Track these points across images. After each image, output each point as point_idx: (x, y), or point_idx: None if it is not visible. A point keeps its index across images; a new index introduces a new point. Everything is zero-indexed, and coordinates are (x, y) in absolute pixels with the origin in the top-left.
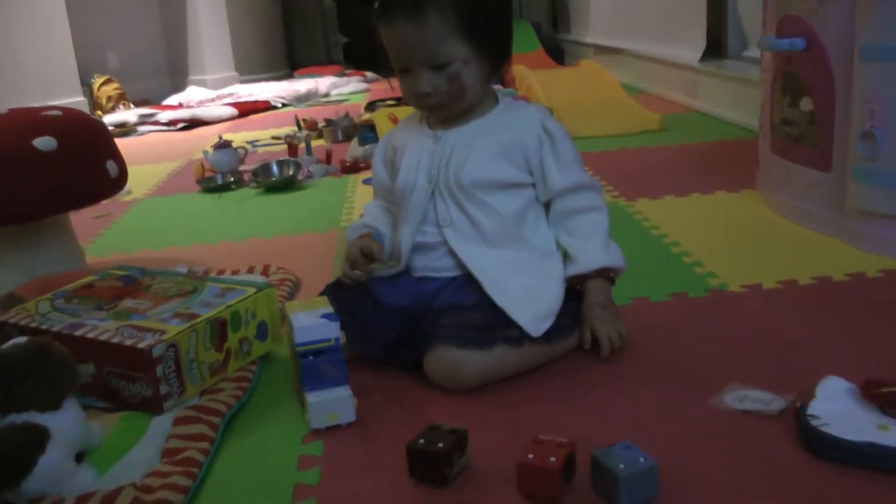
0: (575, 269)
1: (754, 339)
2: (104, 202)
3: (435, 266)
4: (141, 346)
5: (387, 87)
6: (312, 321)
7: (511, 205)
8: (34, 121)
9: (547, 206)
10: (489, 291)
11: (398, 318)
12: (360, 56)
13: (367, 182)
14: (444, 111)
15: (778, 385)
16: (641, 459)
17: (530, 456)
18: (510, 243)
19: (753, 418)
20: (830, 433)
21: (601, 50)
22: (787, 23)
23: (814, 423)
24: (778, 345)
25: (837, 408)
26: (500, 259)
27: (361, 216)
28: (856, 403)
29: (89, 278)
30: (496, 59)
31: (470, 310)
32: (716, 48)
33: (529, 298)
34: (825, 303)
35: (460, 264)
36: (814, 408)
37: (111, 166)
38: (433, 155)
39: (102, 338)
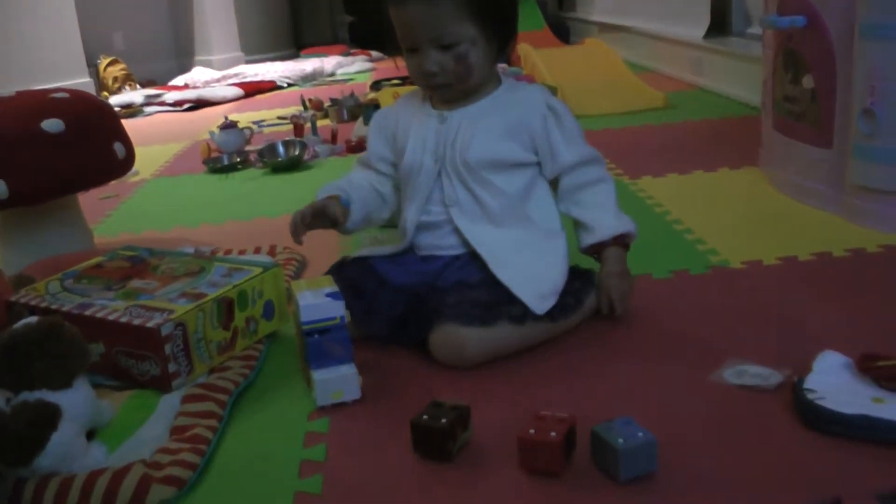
0: (592, 239)
1: (754, 315)
2: (111, 183)
3: (440, 244)
4: (149, 325)
5: (392, 67)
6: (318, 300)
7: (516, 184)
8: (42, 103)
9: (554, 184)
10: (493, 269)
11: (403, 296)
12: (365, 35)
13: None
14: (450, 91)
15: (776, 360)
16: (640, 434)
17: (531, 431)
18: (515, 222)
19: (752, 393)
20: (826, 406)
21: (606, 28)
22: (789, 0)
23: (810, 396)
24: (777, 320)
25: (833, 381)
26: (505, 237)
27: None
28: (852, 377)
29: (98, 259)
30: (503, 40)
31: (474, 287)
32: (720, 25)
33: (533, 276)
34: (824, 278)
35: (465, 242)
36: (810, 382)
37: (118, 147)
38: (439, 135)
39: (111, 317)
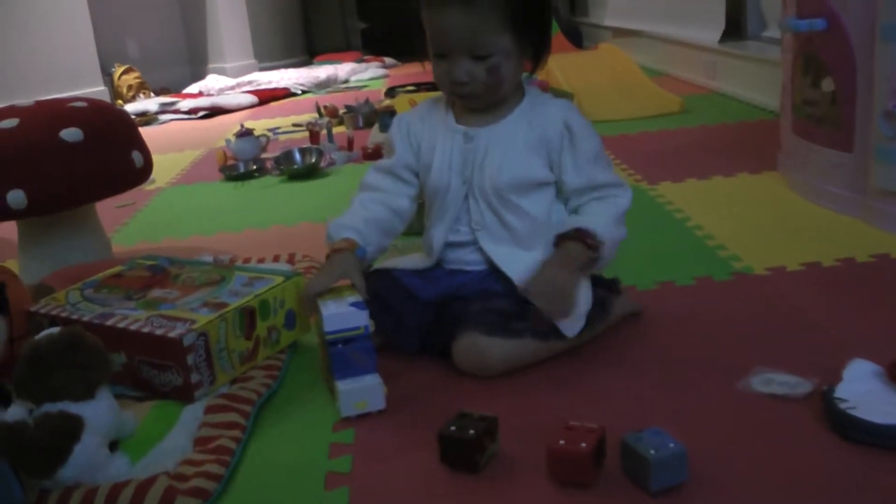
0: (556, 231)
1: (779, 322)
2: (129, 191)
3: (467, 259)
4: (172, 335)
5: (406, 73)
6: (341, 309)
7: (541, 205)
8: (61, 112)
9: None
10: (523, 292)
11: (430, 309)
12: (378, 41)
13: None
14: (477, 101)
15: (804, 368)
16: (671, 445)
17: (561, 442)
18: (541, 245)
19: (780, 402)
20: (859, 416)
21: (619, 32)
22: (808, 3)
23: (842, 406)
24: (803, 327)
25: (864, 390)
26: (533, 260)
27: (357, 193)
28: (883, 385)
29: (118, 268)
30: (536, 54)
31: (499, 296)
32: (735, 29)
33: None
34: (849, 284)
35: (491, 259)
36: (841, 391)
37: (136, 156)
38: (465, 155)
39: (133, 327)
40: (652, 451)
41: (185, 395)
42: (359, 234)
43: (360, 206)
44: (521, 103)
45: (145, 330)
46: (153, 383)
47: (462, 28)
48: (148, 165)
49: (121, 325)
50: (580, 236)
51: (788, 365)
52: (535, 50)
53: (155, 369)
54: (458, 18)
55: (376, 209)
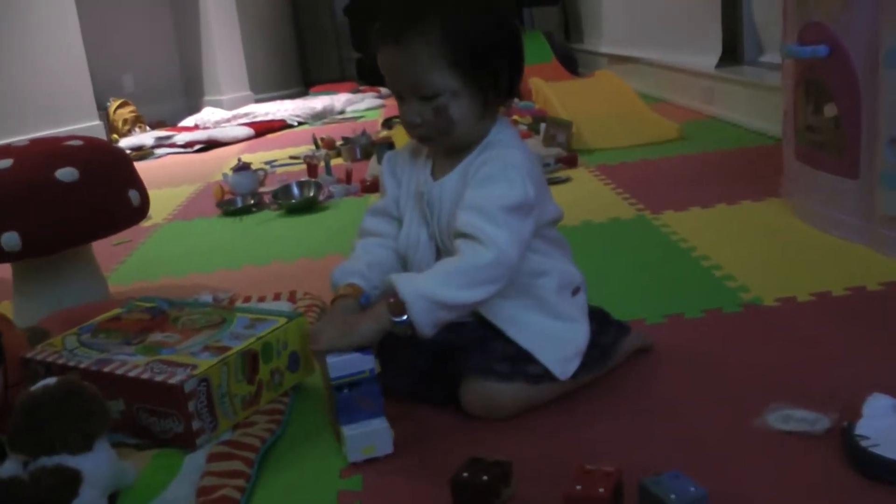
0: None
1: (793, 355)
2: None
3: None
4: (172, 381)
5: None
6: (346, 354)
7: None
8: (56, 151)
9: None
10: (512, 335)
11: (426, 352)
12: (373, 71)
13: None
14: (433, 143)
15: (821, 402)
16: (692, 489)
17: (578, 487)
18: (519, 292)
19: (799, 439)
20: (882, 454)
21: (615, 59)
22: (809, 30)
23: (864, 443)
24: (817, 360)
25: (886, 426)
26: (514, 305)
27: (358, 238)
28: None
29: (116, 311)
30: (495, 93)
31: (497, 339)
32: (732, 54)
33: (553, 338)
34: (861, 314)
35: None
36: (862, 427)
37: (133, 195)
38: (424, 211)
39: (132, 374)
40: (672, 496)
41: (186, 442)
42: (363, 278)
43: (363, 250)
44: (477, 147)
45: (145, 376)
46: (153, 431)
47: (401, 66)
48: (145, 204)
49: (119, 371)
50: (388, 297)
51: (805, 400)
52: (492, 89)
53: (155, 416)
54: (394, 58)
55: (379, 252)
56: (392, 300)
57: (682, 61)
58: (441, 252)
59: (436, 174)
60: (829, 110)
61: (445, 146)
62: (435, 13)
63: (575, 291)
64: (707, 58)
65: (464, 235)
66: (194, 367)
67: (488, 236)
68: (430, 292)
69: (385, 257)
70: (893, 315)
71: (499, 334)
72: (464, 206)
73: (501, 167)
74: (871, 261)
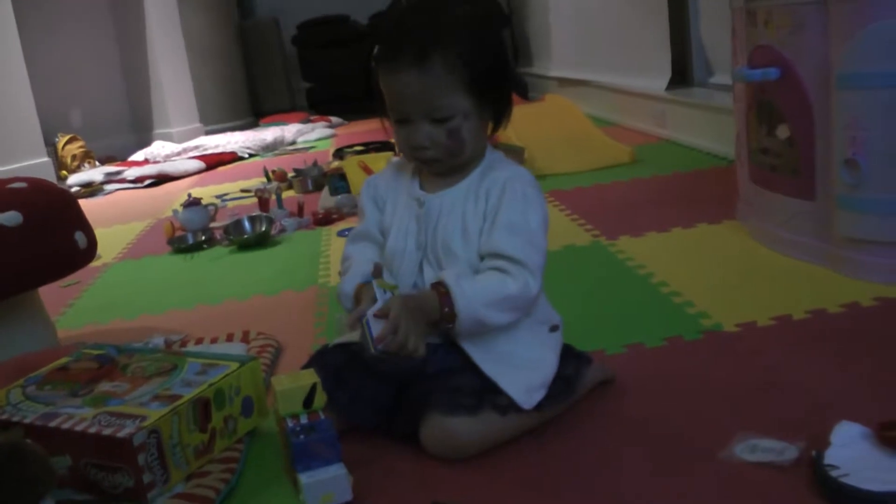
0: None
1: (756, 383)
2: None
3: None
4: (121, 435)
5: (353, 132)
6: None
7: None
8: None
9: None
10: (477, 361)
11: (389, 385)
12: (324, 101)
13: (342, 234)
14: (440, 166)
15: (787, 430)
16: None
17: None
18: None
19: (767, 469)
20: (852, 484)
21: (565, 82)
22: (759, 52)
23: (833, 473)
24: (782, 387)
25: (855, 455)
26: (488, 330)
27: (345, 263)
28: (873, 449)
29: (63, 360)
30: (497, 113)
31: (460, 373)
32: (681, 76)
33: (521, 367)
34: (823, 338)
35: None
36: (830, 457)
37: (80, 237)
38: (420, 221)
39: (79, 428)
40: None
41: (137, 497)
42: (366, 278)
43: (356, 262)
44: (478, 167)
45: (92, 430)
46: (102, 486)
47: (418, 92)
48: (92, 246)
49: (65, 425)
50: (443, 303)
51: (771, 428)
52: (496, 109)
53: (104, 471)
54: (413, 82)
55: (372, 255)
56: (447, 310)
57: (632, 84)
58: (424, 262)
59: (427, 189)
60: (782, 132)
61: (449, 167)
62: (454, 37)
63: (553, 329)
64: (657, 80)
65: (508, 259)
66: (143, 418)
67: (536, 265)
68: (481, 315)
69: (379, 255)
70: (854, 336)
71: (464, 366)
72: (503, 226)
73: (528, 186)
74: (831, 282)
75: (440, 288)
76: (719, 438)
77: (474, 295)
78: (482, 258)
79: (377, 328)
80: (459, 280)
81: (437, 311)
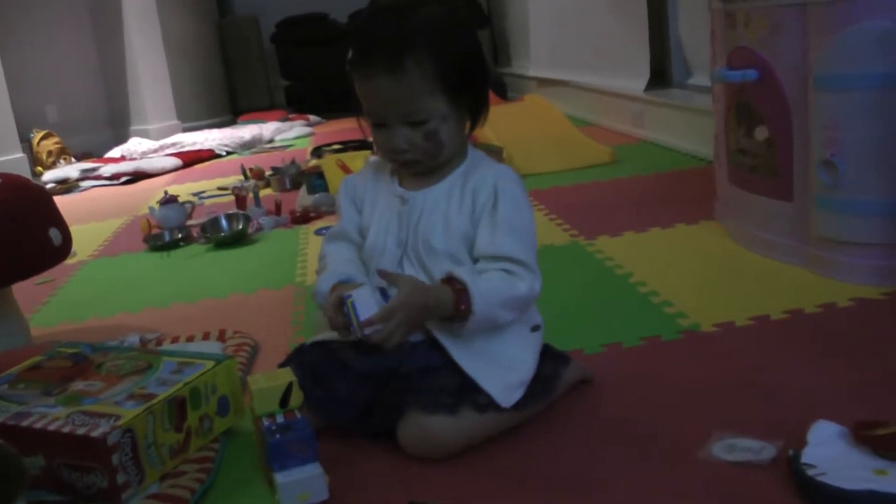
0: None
1: (734, 383)
2: None
3: None
4: (94, 434)
5: (331, 131)
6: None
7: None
8: None
9: None
10: (456, 357)
11: (367, 383)
12: (302, 99)
13: (320, 233)
14: (419, 167)
15: (765, 430)
16: None
17: None
18: None
19: (745, 469)
20: (829, 483)
21: (544, 83)
22: (738, 54)
23: (810, 472)
24: (759, 386)
25: (832, 454)
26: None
27: (321, 261)
28: (849, 448)
29: (37, 358)
30: (474, 114)
31: (440, 372)
32: (660, 77)
33: (500, 365)
34: (801, 337)
35: (427, 329)
36: (808, 455)
37: (54, 234)
38: (402, 218)
39: (52, 427)
40: None
41: (111, 497)
42: (346, 276)
43: (332, 261)
44: (460, 166)
45: (65, 430)
46: (76, 487)
47: (394, 96)
48: (67, 242)
49: (38, 425)
50: (459, 300)
51: (749, 428)
52: (473, 109)
53: (77, 472)
54: (388, 87)
55: (350, 255)
56: (462, 307)
57: (611, 84)
58: (405, 259)
59: (408, 187)
60: (761, 133)
61: (428, 168)
62: (426, 40)
63: (534, 329)
64: (636, 81)
65: (514, 261)
66: (118, 417)
67: (536, 265)
68: (494, 314)
69: (356, 258)
70: (831, 336)
71: (445, 365)
72: (505, 230)
73: (517, 186)
74: (808, 282)
75: (455, 284)
76: (697, 438)
77: (489, 293)
78: (477, 260)
79: (365, 311)
80: (474, 278)
81: (449, 308)
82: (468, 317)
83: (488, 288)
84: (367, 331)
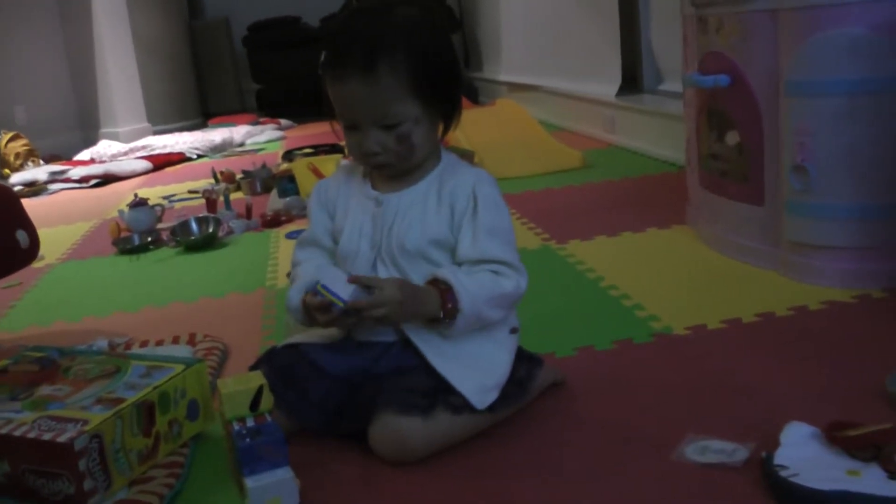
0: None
1: (706, 385)
2: None
3: (376, 330)
4: (61, 439)
5: (302, 135)
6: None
7: None
8: None
9: None
10: (430, 359)
11: (339, 385)
12: (273, 102)
13: (291, 236)
14: (391, 170)
15: (737, 432)
16: None
17: None
18: None
19: (718, 471)
20: (802, 483)
21: (515, 87)
22: (710, 59)
23: (783, 473)
24: (731, 389)
25: (805, 455)
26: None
27: (294, 269)
28: (822, 449)
29: (3, 362)
30: (447, 117)
31: (413, 373)
32: (631, 82)
33: (474, 367)
34: (772, 340)
35: (401, 329)
36: (780, 457)
37: (22, 236)
38: (376, 220)
39: (17, 433)
40: None
41: None
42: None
43: (304, 270)
44: (435, 168)
45: (31, 435)
46: (42, 493)
47: (365, 99)
48: (34, 244)
49: (4, 430)
50: (445, 300)
51: (721, 430)
52: (446, 113)
53: (43, 478)
54: (360, 90)
55: (321, 262)
56: (450, 306)
57: (582, 90)
58: (378, 262)
59: (381, 189)
60: (732, 138)
61: (400, 171)
62: (399, 43)
63: (513, 331)
64: (607, 86)
65: (499, 262)
66: (85, 422)
67: (520, 264)
68: (482, 312)
69: (328, 261)
70: (802, 339)
71: (419, 366)
72: (486, 233)
73: (494, 189)
74: (779, 286)
75: (440, 285)
76: (670, 440)
77: (476, 291)
78: (462, 265)
79: (340, 288)
80: (458, 276)
81: (437, 307)
82: (456, 315)
83: (474, 285)
84: (351, 293)
